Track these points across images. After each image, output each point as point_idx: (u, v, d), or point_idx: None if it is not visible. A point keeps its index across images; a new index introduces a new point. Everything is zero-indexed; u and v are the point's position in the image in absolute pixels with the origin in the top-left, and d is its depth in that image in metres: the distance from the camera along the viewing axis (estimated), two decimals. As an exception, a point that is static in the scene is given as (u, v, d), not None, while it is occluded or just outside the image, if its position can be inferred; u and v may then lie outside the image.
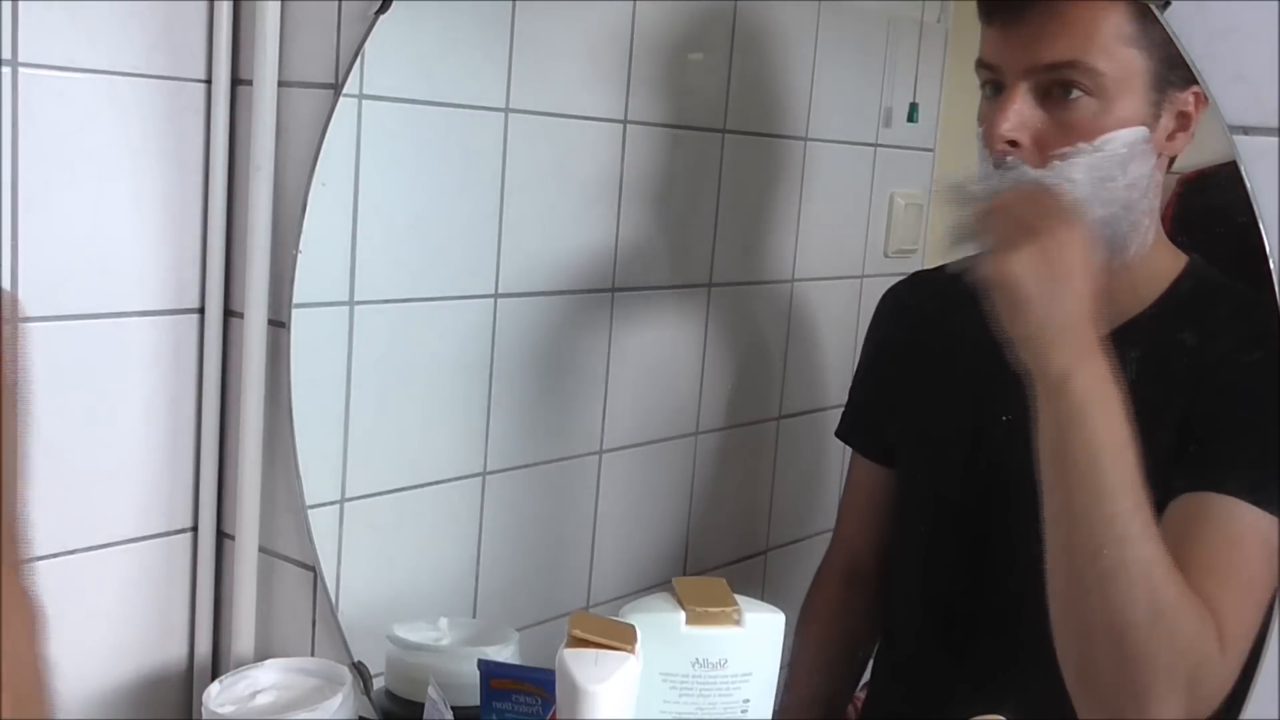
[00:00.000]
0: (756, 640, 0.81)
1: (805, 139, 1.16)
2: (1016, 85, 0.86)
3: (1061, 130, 0.85)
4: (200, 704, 1.06)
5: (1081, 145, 0.84)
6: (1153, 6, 0.76)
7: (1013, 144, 0.86)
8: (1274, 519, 0.77)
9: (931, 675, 0.99)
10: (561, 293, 1.20)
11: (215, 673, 1.24)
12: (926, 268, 1.07)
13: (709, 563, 1.24)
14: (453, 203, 1.17)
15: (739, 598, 0.82)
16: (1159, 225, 0.86)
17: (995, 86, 0.88)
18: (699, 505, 1.22)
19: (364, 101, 1.11)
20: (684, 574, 1.21)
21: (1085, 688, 0.81)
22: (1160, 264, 0.86)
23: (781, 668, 0.83)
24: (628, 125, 1.17)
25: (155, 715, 1.25)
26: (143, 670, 1.23)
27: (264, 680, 1.10)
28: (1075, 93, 0.84)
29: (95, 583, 1.18)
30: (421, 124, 1.14)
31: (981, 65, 0.89)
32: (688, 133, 1.20)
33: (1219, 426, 0.81)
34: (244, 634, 1.20)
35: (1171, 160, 0.85)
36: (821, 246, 1.18)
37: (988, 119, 0.87)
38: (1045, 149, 0.86)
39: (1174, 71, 0.81)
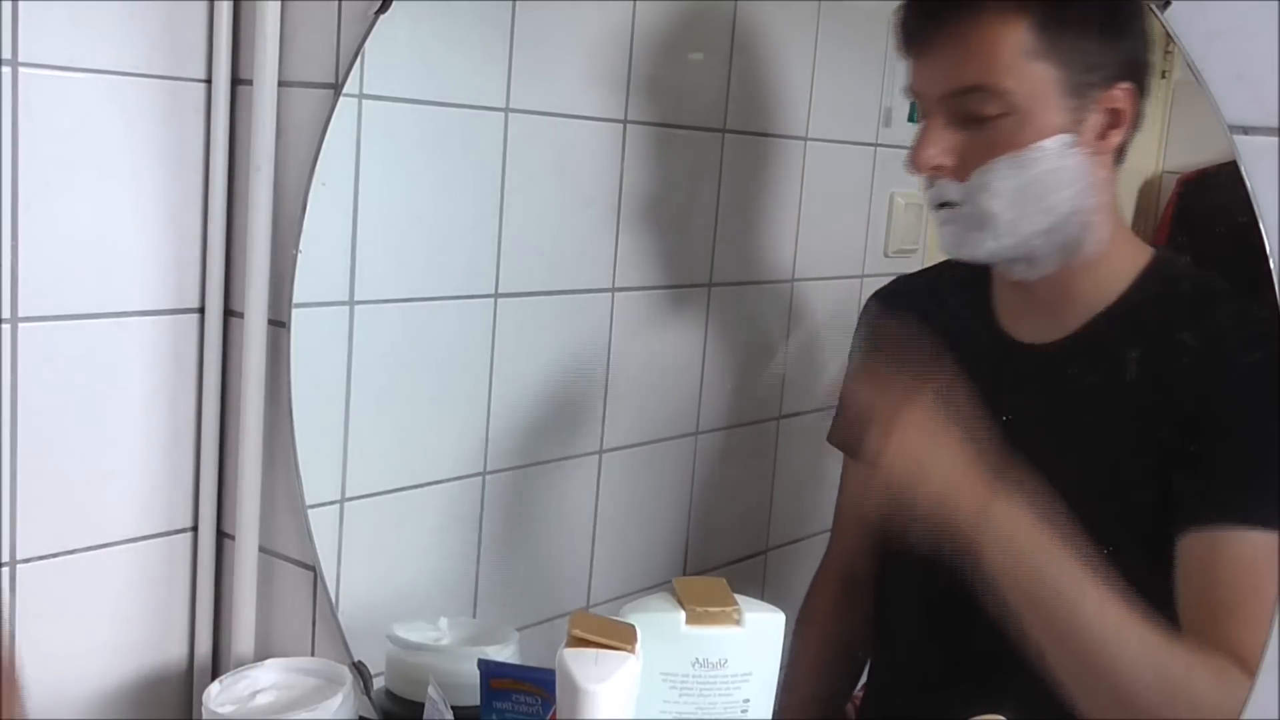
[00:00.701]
0: (756, 640, 0.81)
1: (805, 139, 1.16)
2: (935, 112, 0.89)
3: (983, 148, 0.87)
4: (200, 704, 1.06)
5: (1002, 158, 0.86)
6: (1153, 6, 0.76)
7: (938, 168, 0.89)
8: (1274, 533, 0.78)
9: (929, 676, 0.99)
10: (561, 293, 1.20)
11: (215, 673, 1.24)
12: (908, 272, 1.07)
13: (709, 563, 1.24)
14: (453, 203, 1.17)
15: (739, 598, 0.82)
16: (1118, 220, 0.87)
17: (921, 111, 0.90)
18: (699, 505, 1.22)
19: (364, 101, 1.11)
20: (684, 574, 1.21)
21: None
22: (1123, 258, 0.87)
23: (781, 668, 0.83)
24: (628, 125, 1.17)
25: (155, 715, 1.25)
26: (143, 670, 1.23)
27: (264, 680, 1.10)
28: (990, 113, 0.86)
29: (95, 583, 1.18)
30: (421, 124, 1.14)
31: (909, 92, 0.92)
32: (688, 133, 1.20)
33: (1202, 435, 0.81)
34: (244, 634, 1.20)
35: (1120, 152, 0.85)
36: (821, 246, 1.18)
37: (912, 145, 0.90)
38: (968, 167, 0.88)
39: (1093, 74, 0.84)
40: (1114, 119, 0.84)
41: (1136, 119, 0.84)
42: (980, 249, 0.90)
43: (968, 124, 0.88)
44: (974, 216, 0.88)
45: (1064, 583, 0.82)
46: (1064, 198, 0.86)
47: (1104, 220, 0.86)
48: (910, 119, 1.11)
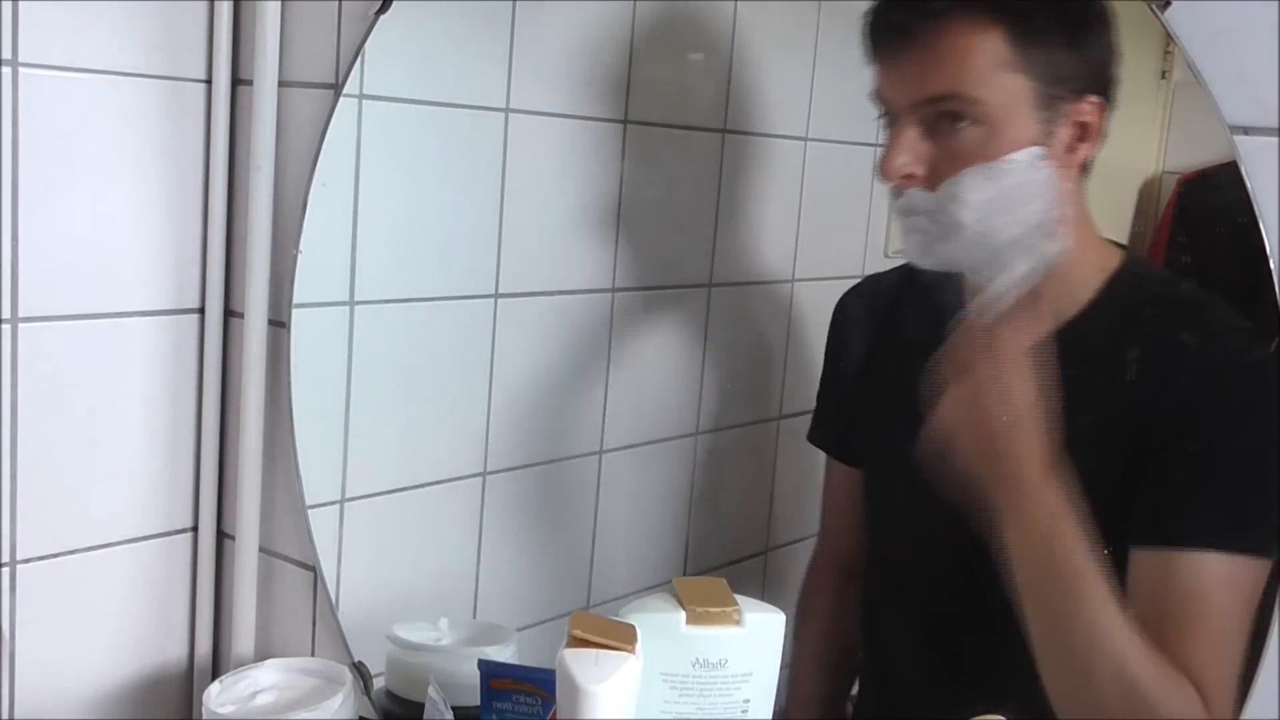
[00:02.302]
0: (756, 640, 0.81)
1: (805, 139, 1.16)
2: (905, 120, 0.88)
3: (952, 158, 0.87)
4: (200, 704, 1.06)
5: (973, 169, 0.86)
6: (1153, 7, 0.76)
7: (908, 176, 0.88)
8: (1241, 558, 0.78)
9: (918, 678, 0.99)
10: (561, 293, 1.20)
11: (215, 673, 1.25)
12: (878, 271, 1.07)
13: (709, 563, 1.24)
14: (453, 203, 1.17)
15: (739, 598, 0.82)
16: (1086, 230, 0.87)
17: (890, 119, 0.90)
18: (699, 505, 1.22)
19: (364, 101, 1.11)
20: (684, 574, 1.21)
21: None
22: (1091, 267, 0.87)
23: (782, 668, 0.83)
24: (628, 125, 1.17)
25: (155, 715, 1.25)
26: (143, 670, 1.23)
27: (264, 680, 1.10)
28: (962, 122, 0.86)
29: (95, 583, 1.18)
30: (421, 124, 1.14)
31: (876, 98, 0.91)
32: (688, 133, 1.20)
33: (1167, 449, 0.82)
34: (244, 634, 1.20)
35: (1085, 166, 0.85)
36: (821, 246, 1.18)
37: (882, 153, 0.89)
38: (938, 177, 0.87)
39: (1063, 85, 0.84)
40: (1082, 132, 0.84)
41: (1102, 133, 0.85)
42: (946, 258, 0.89)
43: (938, 133, 0.87)
44: (942, 226, 0.88)
45: (1074, 578, 0.81)
46: (1033, 210, 0.86)
47: (1070, 231, 0.86)
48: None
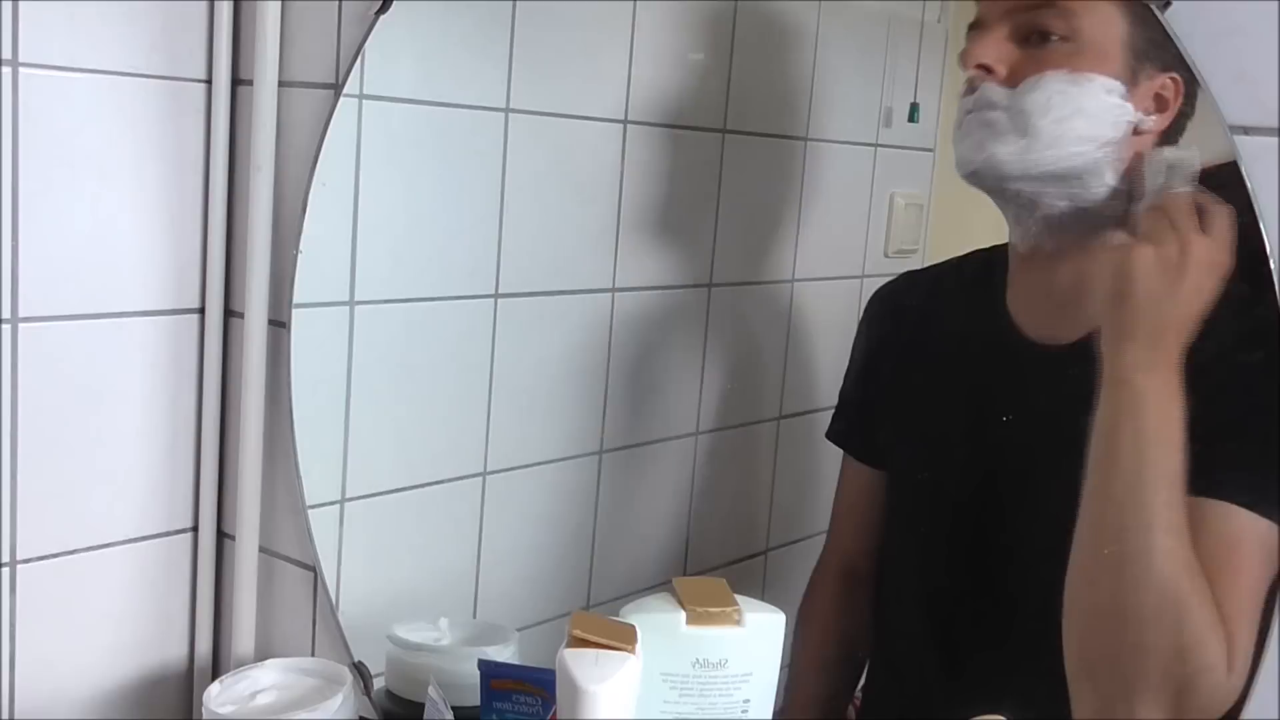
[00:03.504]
0: (757, 640, 0.81)
1: (805, 139, 1.16)
2: (996, 25, 0.87)
3: (1036, 64, 0.85)
4: (200, 704, 1.06)
5: (1055, 72, 0.84)
6: (1153, 6, 0.76)
7: (985, 69, 0.87)
8: (1270, 524, 0.77)
9: (929, 677, 0.99)
10: (561, 293, 1.20)
11: (215, 673, 1.25)
12: (915, 268, 1.07)
13: (709, 563, 1.24)
14: (453, 203, 1.17)
15: (739, 598, 0.82)
16: None
17: (981, 27, 0.88)
18: (699, 505, 1.22)
19: (364, 101, 1.11)
20: (684, 574, 1.21)
21: (1082, 674, 0.81)
22: None
23: (782, 668, 0.83)
24: (628, 125, 1.17)
25: (155, 715, 1.25)
26: (143, 670, 1.23)
27: (264, 680, 1.10)
28: (1052, 38, 0.85)
29: (95, 583, 1.18)
30: (421, 124, 1.14)
31: (972, 26, 0.90)
32: (688, 133, 1.20)
33: (1215, 428, 0.81)
34: (244, 634, 1.20)
35: (1154, 141, 0.84)
36: (821, 246, 1.18)
37: (965, 47, 0.88)
38: (1018, 77, 0.86)
39: (1153, 49, 0.82)
40: (1159, 105, 0.82)
41: (1174, 123, 0.82)
42: (1010, 153, 0.86)
43: (1026, 41, 0.86)
44: (1014, 118, 0.86)
45: (1158, 460, 0.79)
46: (1101, 145, 0.84)
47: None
48: (910, 119, 1.11)
